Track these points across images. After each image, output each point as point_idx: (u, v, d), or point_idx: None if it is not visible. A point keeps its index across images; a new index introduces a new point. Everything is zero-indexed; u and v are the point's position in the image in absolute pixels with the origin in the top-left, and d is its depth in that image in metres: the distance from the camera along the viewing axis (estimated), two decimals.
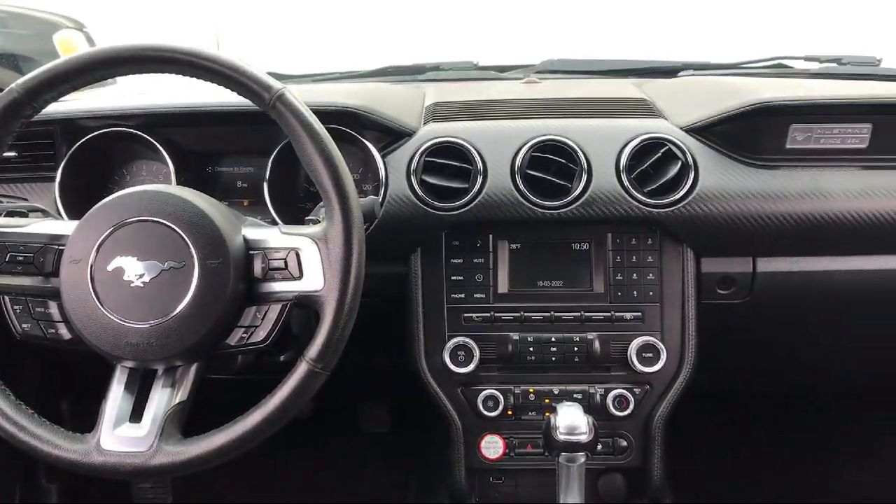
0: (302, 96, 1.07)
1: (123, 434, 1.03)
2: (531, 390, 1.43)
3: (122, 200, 1.08)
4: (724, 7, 3.79)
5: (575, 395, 1.42)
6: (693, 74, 1.86)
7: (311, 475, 2.24)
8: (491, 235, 1.43)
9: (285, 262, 1.06)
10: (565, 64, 1.96)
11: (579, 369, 1.43)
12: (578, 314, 1.42)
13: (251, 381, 1.20)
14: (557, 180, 1.38)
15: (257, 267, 1.07)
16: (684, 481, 1.64)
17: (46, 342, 1.09)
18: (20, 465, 1.88)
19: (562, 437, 1.19)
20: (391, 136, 1.44)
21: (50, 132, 1.45)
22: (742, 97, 1.41)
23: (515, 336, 1.42)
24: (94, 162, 1.47)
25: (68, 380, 1.86)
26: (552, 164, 1.39)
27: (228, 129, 1.50)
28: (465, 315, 1.43)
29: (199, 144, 1.51)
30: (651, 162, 1.38)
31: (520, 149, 1.39)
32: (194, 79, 1.07)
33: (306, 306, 1.07)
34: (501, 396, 1.42)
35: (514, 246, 1.43)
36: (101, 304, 1.02)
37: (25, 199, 1.46)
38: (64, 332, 1.08)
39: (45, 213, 1.27)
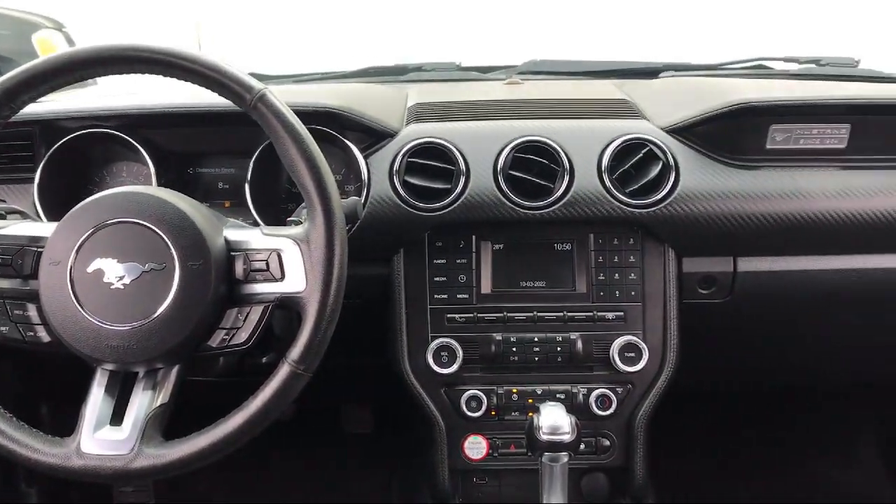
0: (283, 97, 1.06)
1: (104, 437, 1.02)
2: (514, 390, 1.43)
3: (102, 202, 1.07)
4: (704, 9, 3.81)
5: (558, 395, 1.43)
6: (674, 75, 1.87)
7: (294, 477, 2.23)
8: (474, 236, 1.43)
9: (267, 264, 1.05)
10: (547, 65, 1.97)
11: (562, 369, 1.43)
12: (561, 314, 1.42)
13: (233, 384, 1.20)
14: (540, 181, 1.38)
15: (239, 268, 1.06)
16: (667, 481, 1.65)
17: (25, 345, 1.08)
18: None
19: (545, 437, 1.19)
20: (373, 136, 1.44)
21: (29, 133, 1.44)
22: (722, 98, 1.42)
23: (498, 336, 1.42)
24: (73, 163, 1.46)
25: (48, 383, 1.84)
26: (534, 165, 1.39)
27: (209, 130, 1.49)
28: (449, 316, 1.43)
29: (180, 145, 1.50)
30: (632, 162, 1.39)
31: (502, 149, 1.39)
32: (175, 79, 1.06)
33: (288, 308, 1.07)
34: (485, 397, 1.43)
35: (496, 246, 1.44)
36: (81, 307, 1.01)
37: (3, 201, 1.44)
38: (43, 335, 1.07)
39: (23, 215, 1.26)
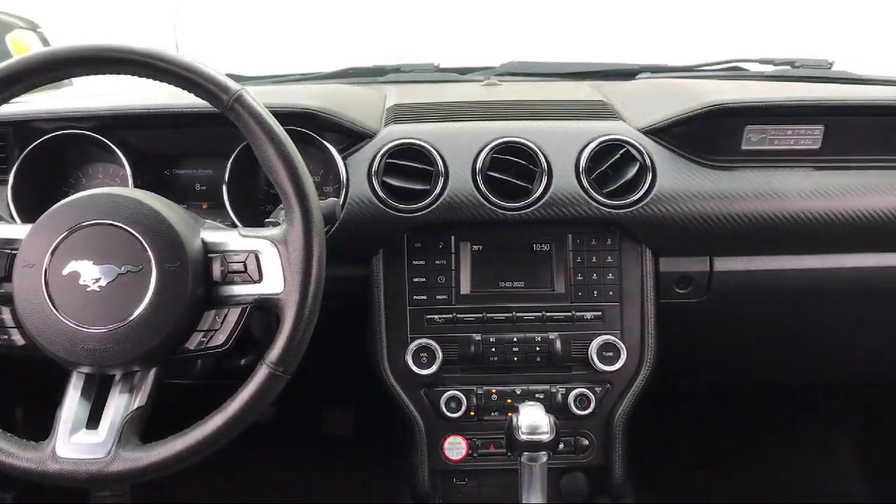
0: (261, 98, 1.06)
1: (80, 441, 1.01)
2: (494, 391, 1.44)
3: (77, 203, 1.06)
4: (681, 11, 3.84)
5: (537, 395, 1.43)
6: (651, 77, 1.88)
7: (274, 479, 2.22)
8: (453, 237, 1.43)
9: (244, 265, 1.05)
10: (525, 66, 1.98)
11: (541, 369, 1.44)
12: (540, 314, 1.43)
13: (211, 386, 1.19)
14: (518, 182, 1.39)
15: (216, 270, 1.06)
16: (646, 480, 1.66)
17: None
18: None
19: (524, 437, 1.20)
20: (352, 137, 1.43)
21: (2, 134, 1.42)
22: (698, 99, 1.43)
23: (478, 337, 1.42)
24: (48, 165, 1.44)
25: (22, 387, 1.82)
26: (513, 166, 1.39)
27: (186, 132, 1.48)
28: (428, 317, 1.43)
29: (157, 147, 1.49)
30: (610, 163, 1.40)
31: (481, 150, 1.40)
32: (151, 80, 1.05)
33: (266, 309, 1.06)
34: (464, 397, 1.43)
35: (476, 247, 1.44)
36: (56, 309, 1.01)
37: None
38: (17, 338, 1.06)
39: None
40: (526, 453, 1.22)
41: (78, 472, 0.99)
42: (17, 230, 1.08)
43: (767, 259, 1.47)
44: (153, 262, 1.01)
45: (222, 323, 1.06)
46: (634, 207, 1.39)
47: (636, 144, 1.41)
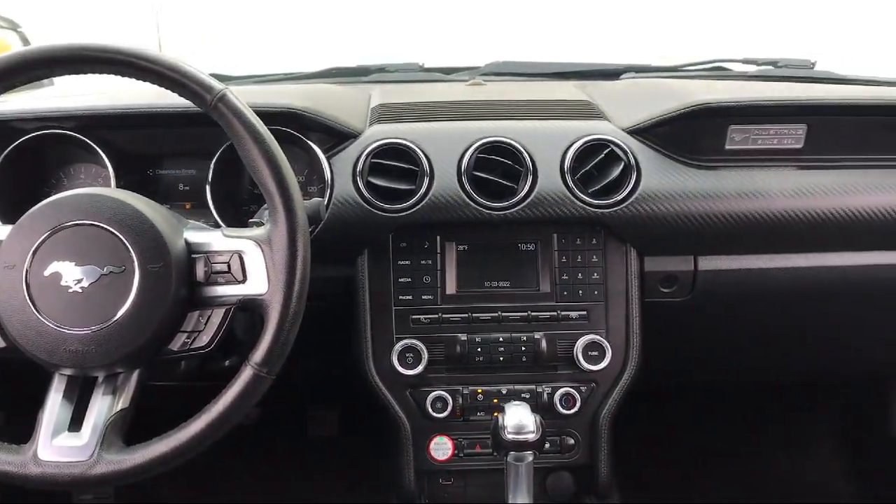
0: (244, 97, 1.05)
1: (62, 444, 1.00)
2: (479, 391, 1.44)
3: (58, 204, 1.05)
4: (664, 11, 3.85)
5: (523, 395, 1.43)
6: (635, 77, 1.89)
7: (259, 480, 2.21)
8: (438, 237, 1.43)
9: (228, 266, 1.04)
10: (510, 66, 1.98)
11: (527, 369, 1.44)
12: (525, 314, 1.43)
13: (195, 387, 1.18)
14: (503, 181, 1.39)
15: (200, 270, 1.05)
16: (632, 479, 1.67)
17: None
18: None
19: (510, 437, 1.20)
20: (336, 137, 1.43)
21: None
22: (682, 99, 1.44)
23: (463, 337, 1.42)
24: (29, 165, 1.43)
25: (3, 389, 1.80)
26: (498, 166, 1.39)
27: (169, 131, 1.47)
28: (413, 317, 1.43)
29: (140, 147, 1.48)
30: (594, 163, 1.40)
31: (466, 150, 1.39)
32: (134, 79, 1.05)
33: (251, 310, 1.06)
34: (450, 397, 1.42)
35: (461, 247, 1.44)
36: (38, 311, 0.99)
37: None
38: None
39: None
40: (512, 453, 1.22)
41: (60, 475, 0.98)
42: None
43: (751, 258, 1.48)
44: (136, 263, 1.01)
45: (206, 324, 1.05)
46: (619, 207, 1.39)
47: (621, 144, 1.41)
